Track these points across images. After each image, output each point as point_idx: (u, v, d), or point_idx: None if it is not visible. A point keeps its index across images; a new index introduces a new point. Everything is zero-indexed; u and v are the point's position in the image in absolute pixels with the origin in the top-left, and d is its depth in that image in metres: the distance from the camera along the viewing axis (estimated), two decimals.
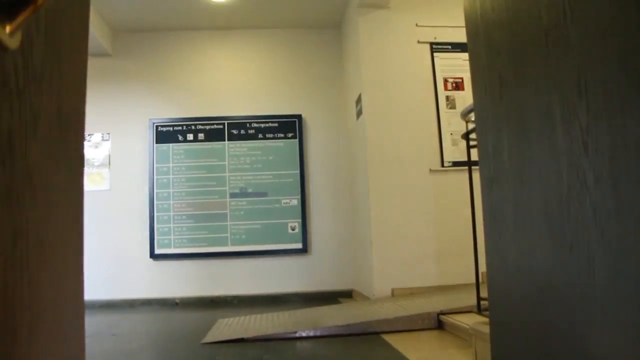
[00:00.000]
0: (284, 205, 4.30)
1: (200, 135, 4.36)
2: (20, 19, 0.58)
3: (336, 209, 4.39)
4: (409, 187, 3.67)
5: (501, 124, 1.29)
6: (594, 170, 0.87)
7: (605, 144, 0.84)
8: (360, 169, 3.90)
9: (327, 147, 4.46)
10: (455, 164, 3.74)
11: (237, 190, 4.29)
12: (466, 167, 3.75)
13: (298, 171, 4.34)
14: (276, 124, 4.40)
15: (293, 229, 4.28)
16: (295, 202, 4.31)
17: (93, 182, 4.33)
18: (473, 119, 1.82)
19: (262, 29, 4.61)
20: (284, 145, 4.38)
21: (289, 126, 4.41)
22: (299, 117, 4.43)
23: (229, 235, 4.24)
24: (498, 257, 1.37)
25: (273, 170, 4.33)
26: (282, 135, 4.39)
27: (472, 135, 2.37)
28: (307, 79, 4.57)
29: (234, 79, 4.54)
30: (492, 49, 1.34)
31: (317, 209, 4.37)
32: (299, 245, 4.26)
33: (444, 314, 2.83)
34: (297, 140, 4.39)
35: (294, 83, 4.55)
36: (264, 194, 4.30)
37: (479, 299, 2.48)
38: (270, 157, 4.35)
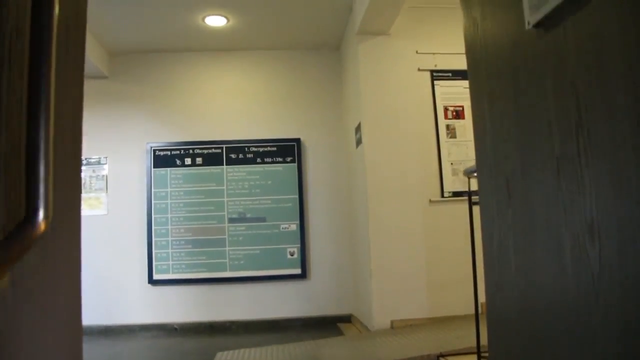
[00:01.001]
0: (283, 230, 4.28)
1: (198, 160, 4.32)
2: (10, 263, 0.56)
3: (335, 234, 4.37)
4: (408, 218, 3.65)
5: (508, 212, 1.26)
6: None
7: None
8: (360, 199, 3.88)
9: (326, 171, 4.43)
10: (456, 194, 3.72)
11: (235, 215, 4.27)
12: (466, 198, 3.74)
13: (297, 196, 4.32)
14: (275, 148, 4.37)
15: (292, 254, 4.26)
16: (294, 227, 4.29)
17: (91, 206, 4.30)
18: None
19: (261, 50, 4.56)
20: (283, 170, 4.35)
21: (287, 150, 4.37)
22: (298, 140, 4.40)
23: (227, 260, 4.22)
24: (498, 290, 1.35)
25: (272, 195, 4.31)
26: (280, 159, 4.36)
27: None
28: (306, 101, 4.52)
29: (232, 101, 4.50)
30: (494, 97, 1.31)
31: (316, 234, 4.35)
32: (298, 271, 4.25)
33: (443, 355, 2.82)
34: (295, 164, 4.36)
35: (292, 105, 4.51)
36: (263, 219, 4.27)
37: (478, 342, 2.48)
38: (269, 182, 4.32)
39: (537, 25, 1.08)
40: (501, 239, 1.32)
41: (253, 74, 4.56)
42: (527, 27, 1.11)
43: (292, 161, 4.36)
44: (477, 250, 2.97)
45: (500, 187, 1.31)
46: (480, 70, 1.45)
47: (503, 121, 1.29)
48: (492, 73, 1.36)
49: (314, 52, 4.60)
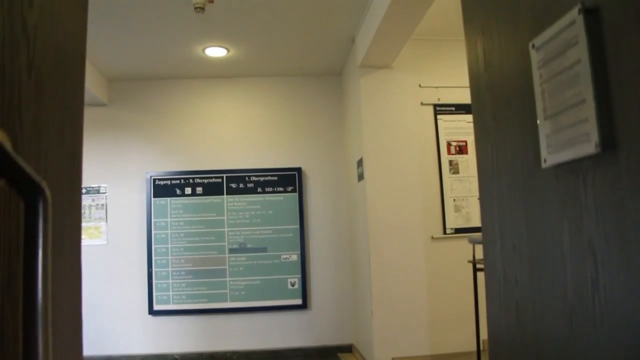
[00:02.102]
0: (284, 260, 4.26)
1: (199, 189, 4.28)
2: None
3: (336, 264, 4.35)
4: (410, 255, 3.62)
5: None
6: None
7: None
8: (361, 234, 3.85)
9: (327, 201, 4.40)
10: (458, 230, 3.70)
11: (236, 246, 4.24)
12: (469, 234, 3.72)
13: (298, 226, 4.29)
14: (275, 177, 4.33)
15: (293, 285, 4.24)
16: (295, 257, 4.27)
17: (90, 236, 4.27)
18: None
19: (261, 77, 4.51)
20: (284, 199, 4.32)
21: (288, 179, 4.34)
22: (299, 170, 4.36)
23: (228, 291, 4.20)
24: (500, 334, 1.34)
25: (272, 225, 4.28)
26: (281, 189, 4.32)
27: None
28: (307, 129, 4.48)
29: (232, 129, 4.46)
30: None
31: (317, 264, 4.33)
32: (299, 301, 4.24)
33: None
34: (296, 194, 4.33)
35: (293, 133, 4.47)
36: (264, 249, 4.25)
37: None
38: (270, 212, 4.29)
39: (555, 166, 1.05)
40: (505, 273, 1.30)
41: (253, 101, 4.51)
42: (543, 165, 1.08)
43: (293, 191, 4.33)
44: (479, 286, 2.96)
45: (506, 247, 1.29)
46: (485, 114, 1.42)
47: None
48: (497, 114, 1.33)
49: (315, 78, 4.55)
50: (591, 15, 0.92)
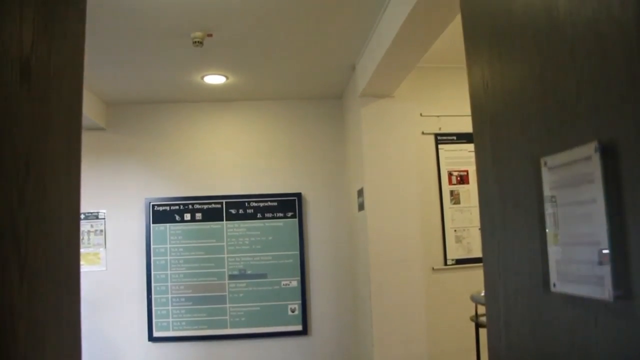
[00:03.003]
0: (284, 286, 4.24)
1: (198, 215, 4.26)
2: None
3: (337, 290, 4.34)
4: (411, 287, 3.61)
5: None
6: None
7: None
8: (361, 264, 3.83)
9: (327, 226, 4.38)
10: (459, 261, 3.69)
11: (236, 272, 4.23)
12: (470, 265, 3.71)
13: (298, 252, 4.27)
14: (275, 203, 4.30)
15: (293, 311, 4.23)
16: (295, 283, 4.25)
17: (89, 261, 4.24)
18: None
19: (260, 101, 4.47)
20: (284, 225, 4.30)
21: (288, 205, 4.31)
22: (299, 195, 4.34)
23: (228, 317, 4.19)
24: None
25: (272, 251, 4.26)
26: (281, 214, 4.30)
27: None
28: (307, 153, 4.45)
29: (232, 154, 4.42)
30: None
31: (317, 290, 4.32)
32: (299, 327, 4.23)
33: None
34: (296, 219, 4.31)
35: (293, 158, 4.44)
36: (264, 275, 4.24)
37: None
38: (270, 238, 4.27)
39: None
40: (507, 304, 1.29)
41: (252, 124, 4.48)
42: (552, 289, 1.05)
43: (293, 216, 4.31)
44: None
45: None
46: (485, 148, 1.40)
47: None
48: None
49: (315, 101, 4.51)
50: (609, 155, 0.89)
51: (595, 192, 0.91)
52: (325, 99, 4.51)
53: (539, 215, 1.11)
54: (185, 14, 2.83)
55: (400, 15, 2.59)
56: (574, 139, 0.98)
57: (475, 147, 1.50)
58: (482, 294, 1.68)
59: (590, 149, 0.92)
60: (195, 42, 3.14)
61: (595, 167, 0.91)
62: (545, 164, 1.07)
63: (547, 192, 1.07)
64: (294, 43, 3.32)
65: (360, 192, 3.78)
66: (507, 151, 1.30)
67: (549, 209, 1.06)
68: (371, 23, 3.05)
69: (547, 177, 1.07)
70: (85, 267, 4.20)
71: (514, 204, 1.27)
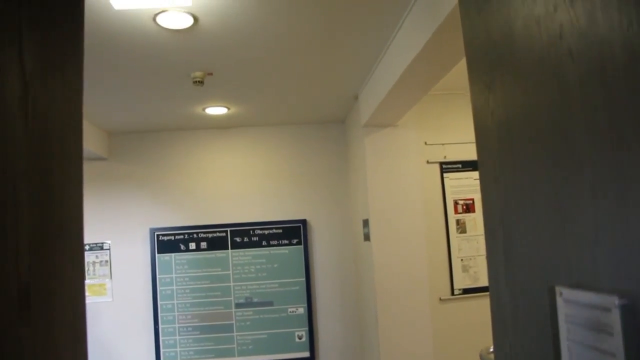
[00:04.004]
0: (290, 314, 4.24)
1: (203, 244, 4.25)
2: None
3: (343, 316, 4.33)
4: (418, 318, 3.59)
5: None
6: None
7: None
8: (368, 294, 3.82)
9: (333, 253, 4.36)
10: (466, 290, 3.67)
11: (242, 300, 4.22)
12: (477, 294, 3.69)
13: (304, 278, 4.26)
14: (280, 230, 4.29)
15: (300, 338, 4.23)
16: (301, 310, 4.25)
17: (95, 293, 4.25)
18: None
19: (263, 126, 4.44)
20: (289, 252, 4.28)
21: (293, 232, 4.30)
22: (304, 222, 4.32)
23: (235, 346, 4.19)
24: None
25: (278, 279, 4.25)
26: (286, 241, 4.28)
27: None
28: (311, 179, 4.42)
29: (236, 182, 4.40)
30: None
31: (324, 317, 4.31)
32: (307, 354, 4.23)
33: None
34: (302, 246, 4.29)
35: (297, 183, 4.41)
36: (270, 303, 4.23)
37: None
38: (275, 265, 4.26)
39: None
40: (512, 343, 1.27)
41: (255, 151, 4.44)
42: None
43: (298, 243, 4.29)
44: None
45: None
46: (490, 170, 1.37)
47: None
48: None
49: (318, 125, 4.47)
50: (629, 314, 0.86)
51: (616, 347, 0.88)
52: (328, 123, 4.47)
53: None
54: (185, 55, 2.79)
55: (407, 54, 2.54)
56: (589, 280, 0.95)
57: (480, 175, 1.47)
58: (491, 350, 1.66)
59: (611, 302, 0.89)
60: (196, 81, 3.11)
61: (615, 322, 0.88)
62: (561, 294, 1.04)
63: (562, 323, 1.04)
64: (296, 76, 3.28)
65: (366, 223, 3.75)
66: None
67: (563, 342, 1.04)
68: (375, 55, 2.99)
69: (562, 308, 1.04)
70: (90, 299, 4.20)
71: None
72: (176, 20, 2.40)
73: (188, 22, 2.42)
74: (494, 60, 1.30)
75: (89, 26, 2.33)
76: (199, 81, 3.11)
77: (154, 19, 2.36)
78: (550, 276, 1.10)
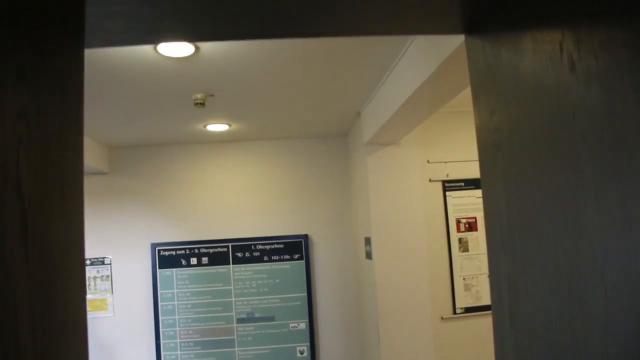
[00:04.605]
0: (292, 329, 4.24)
1: (204, 259, 4.24)
2: None
3: (345, 331, 4.33)
4: (420, 336, 3.59)
5: None
6: None
7: None
8: (369, 311, 3.81)
9: (334, 268, 4.35)
10: (468, 309, 3.66)
11: (244, 315, 4.22)
12: (479, 313, 3.69)
13: (305, 293, 4.26)
14: (282, 245, 4.28)
15: (302, 353, 4.23)
16: (303, 325, 4.24)
17: (96, 307, 4.24)
18: None
19: (265, 140, 4.42)
20: (291, 267, 4.27)
21: (295, 247, 4.28)
22: (305, 237, 4.30)
23: None
24: None
25: (280, 294, 4.24)
26: (288, 256, 4.27)
27: None
28: (313, 193, 4.40)
29: (237, 196, 4.38)
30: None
31: (325, 332, 4.31)
32: None
33: None
34: (303, 261, 4.28)
35: (298, 198, 4.39)
36: (272, 318, 4.23)
37: None
38: (277, 280, 4.25)
39: None
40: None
41: (256, 165, 4.42)
42: None
43: (300, 258, 4.28)
44: None
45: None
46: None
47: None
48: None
49: (320, 139, 4.45)
50: None
51: None
52: (330, 137, 4.45)
53: None
54: (186, 80, 2.77)
55: (413, 80, 2.50)
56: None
57: (483, 194, 1.45)
58: None
59: None
60: (197, 103, 3.08)
61: None
62: None
63: None
64: (298, 94, 3.25)
65: (368, 241, 3.74)
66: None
67: None
68: (379, 75, 2.96)
69: None
70: (92, 313, 4.20)
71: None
72: (177, 49, 2.38)
73: (189, 50, 2.39)
74: (499, 90, 1.28)
75: (90, 57, 2.30)
76: (200, 103, 3.08)
77: (155, 48, 2.34)
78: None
